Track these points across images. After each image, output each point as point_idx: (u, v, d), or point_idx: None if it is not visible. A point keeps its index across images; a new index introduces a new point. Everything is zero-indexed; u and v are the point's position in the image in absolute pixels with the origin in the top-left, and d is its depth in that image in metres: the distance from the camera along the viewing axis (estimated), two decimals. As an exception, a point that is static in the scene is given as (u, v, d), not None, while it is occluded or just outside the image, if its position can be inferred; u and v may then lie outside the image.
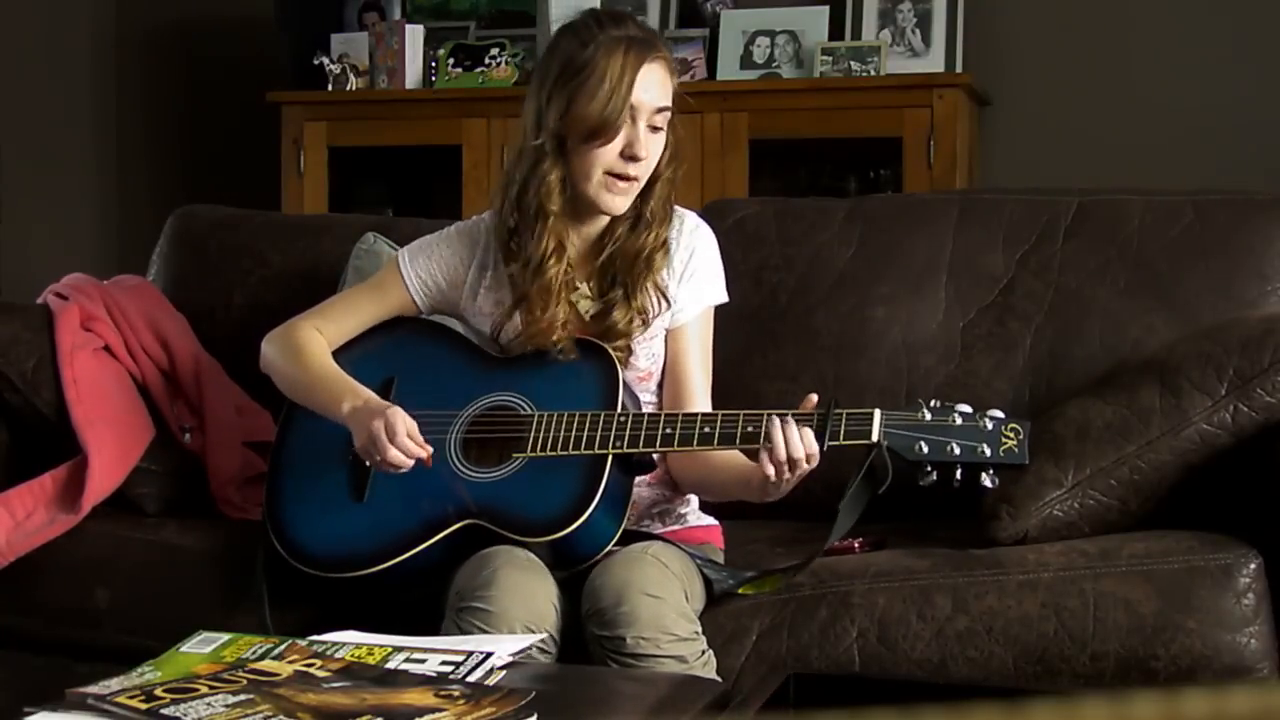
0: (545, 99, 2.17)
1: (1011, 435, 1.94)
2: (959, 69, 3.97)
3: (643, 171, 2.17)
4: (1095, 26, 4.07)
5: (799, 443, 1.95)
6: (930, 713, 0.58)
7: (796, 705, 1.74)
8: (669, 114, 2.18)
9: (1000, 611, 2.04)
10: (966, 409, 1.96)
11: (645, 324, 2.20)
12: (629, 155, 2.14)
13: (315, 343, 2.27)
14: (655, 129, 2.16)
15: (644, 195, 2.21)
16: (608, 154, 2.14)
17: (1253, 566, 2.04)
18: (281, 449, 2.30)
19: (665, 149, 2.20)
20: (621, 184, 2.16)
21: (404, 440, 2.06)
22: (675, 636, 1.94)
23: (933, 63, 3.99)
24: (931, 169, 3.81)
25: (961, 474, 1.94)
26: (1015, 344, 2.52)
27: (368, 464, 2.12)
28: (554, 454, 2.06)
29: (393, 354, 2.29)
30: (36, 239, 4.57)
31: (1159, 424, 2.15)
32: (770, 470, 1.96)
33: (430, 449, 2.08)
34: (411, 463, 2.07)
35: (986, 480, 1.94)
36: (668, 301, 2.21)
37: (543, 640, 1.94)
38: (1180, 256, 2.51)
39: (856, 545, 2.23)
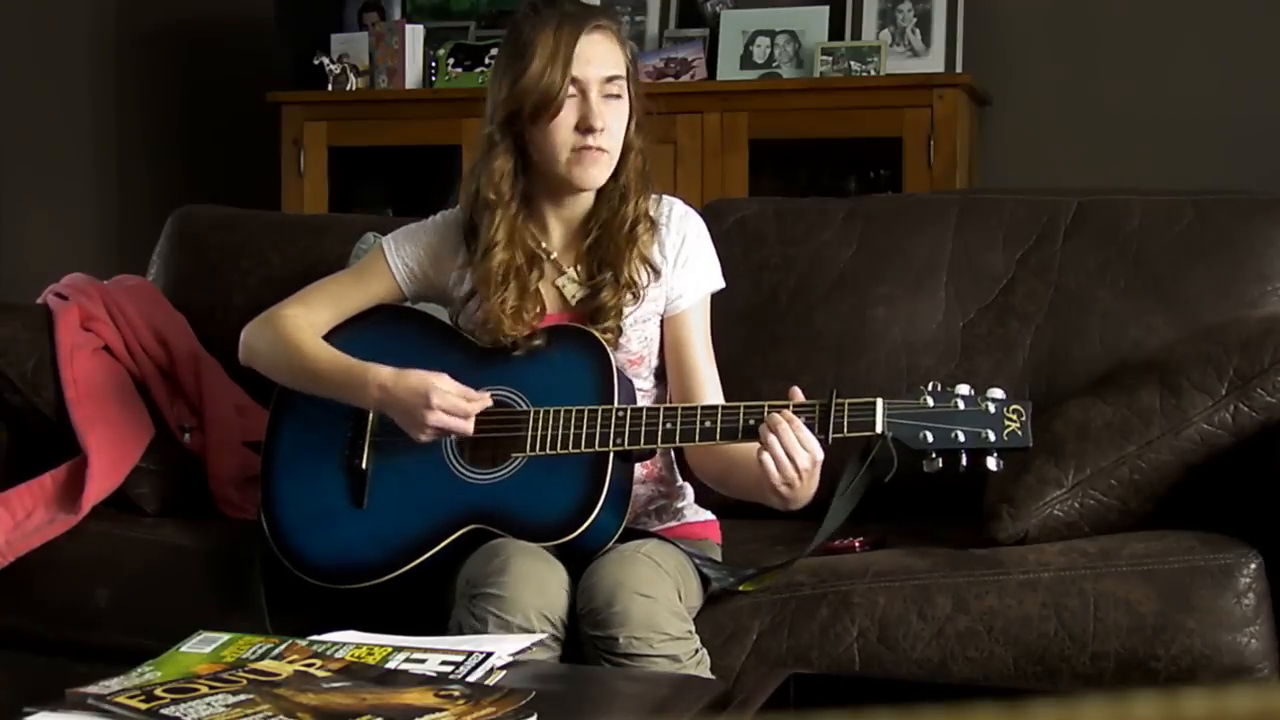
0: (495, 90, 2.18)
1: (1014, 418, 1.93)
2: (959, 69, 3.97)
3: (608, 142, 2.14)
4: (1095, 27, 4.07)
5: (794, 440, 1.94)
6: (930, 713, 0.58)
7: (796, 705, 1.74)
8: (623, 81, 2.16)
9: (1000, 611, 2.04)
10: (966, 391, 1.95)
11: (636, 297, 2.17)
12: (585, 128, 2.12)
13: (306, 330, 2.24)
14: (612, 97, 2.14)
15: (617, 167, 2.18)
16: (563, 130, 2.12)
17: (1253, 566, 2.04)
18: (273, 449, 2.28)
19: (631, 117, 2.18)
20: (590, 154, 2.13)
21: (464, 407, 2.06)
22: (668, 636, 1.94)
23: (933, 63, 3.99)
24: (931, 169, 3.81)
25: (967, 460, 1.94)
26: (1015, 344, 2.52)
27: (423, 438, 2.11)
28: (554, 453, 2.05)
29: (378, 344, 2.24)
30: (36, 239, 4.57)
31: (1159, 424, 2.15)
32: (773, 467, 1.94)
33: (483, 397, 2.09)
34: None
35: (992, 464, 1.93)
36: (656, 273, 2.19)
37: (553, 629, 1.94)
38: (1180, 256, 2.51)
39: (856, 545, 2.23)
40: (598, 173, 2.16)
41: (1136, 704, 0.55)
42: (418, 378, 2.09)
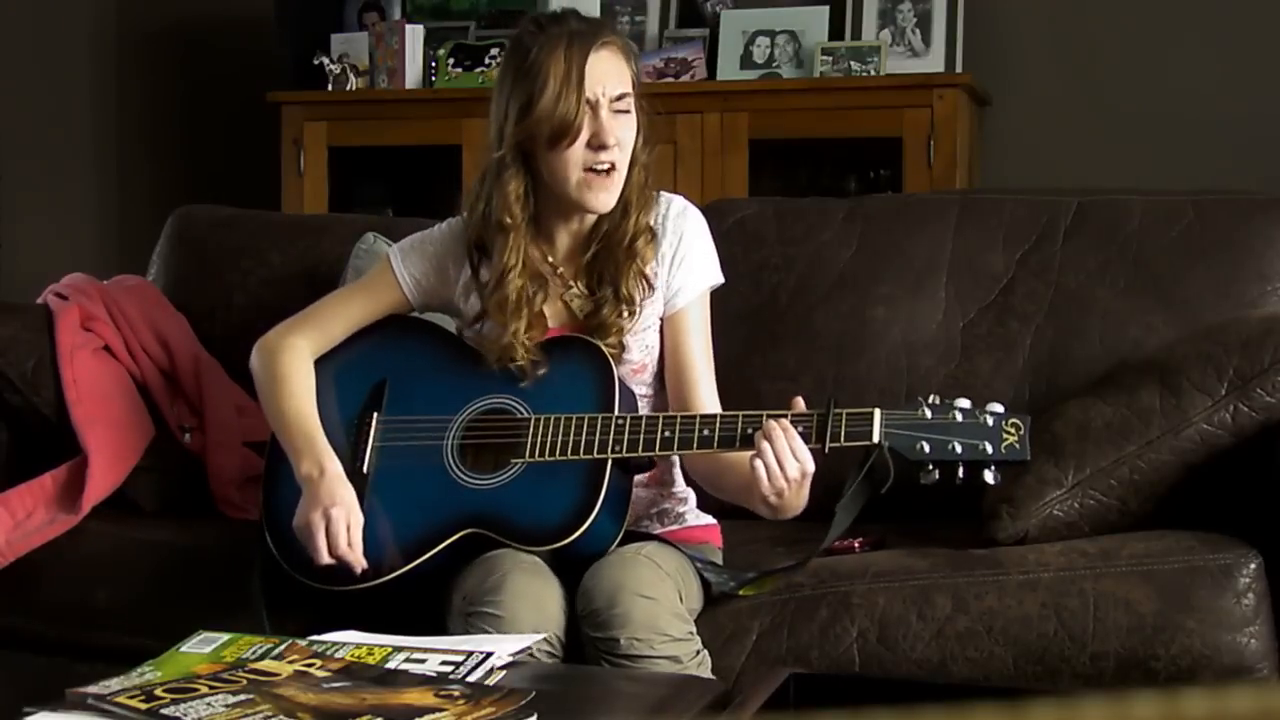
0: (502, 112, 2.16)
1: (1012, 431, 1.93)
2: (959, 69, 3.97)
3: (618, 158, 2.13)
4: (1095, 27, 4.07)
5: (787, 450, 1.94)
6: (930, 713, 0.59)
7: (796, 705, 1.74)
8: (631, 98, 2.14)
9: (1000, 611, 2.04)
10: (966, 404, 1.95)
11: (633, 313, 2.17)
12: (597, 144, 2.11)
13: (298, 372, 2.23)
14: (621, 113, 2.13)
15: (628, 180, 2.17)
16: (577, 151, 2.11)
17: (1253, 566, 2.04)
18: (277, 452, 2.28)
19: (638, 132, 2.17)
20: (600, 179, 2.13)
21: (343, 551, 2.06)
22: (669, 637, 1.94)
23: (933, 63, 3.99)
24: (931, 169, 3.81)
25: (964, 472, 1.94)
26: (1015, 344, 2.52)
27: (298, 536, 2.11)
28: (553, 459, 2.05)
29: (385, 355, 2.26)
30: (36, 239, 4.57)
31: (1159, 424, 2.15)
32: (763, 475, 1.93)
33: (364, 563, 2.07)
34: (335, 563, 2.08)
35: (989, 477, 1.93)
36: (652, 288, 2.18)
37: (550, 646, 1.94)
38: (1180, 256, 2.51)
39: (856, 545, 2.23)
40: (607, 198, 2.15)
41: (1136, 704, 0.55)
42: (343, 491, 2.10)
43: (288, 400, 2.21)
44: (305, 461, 2.14)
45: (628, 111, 2.14)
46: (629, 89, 2.14)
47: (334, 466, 2.13)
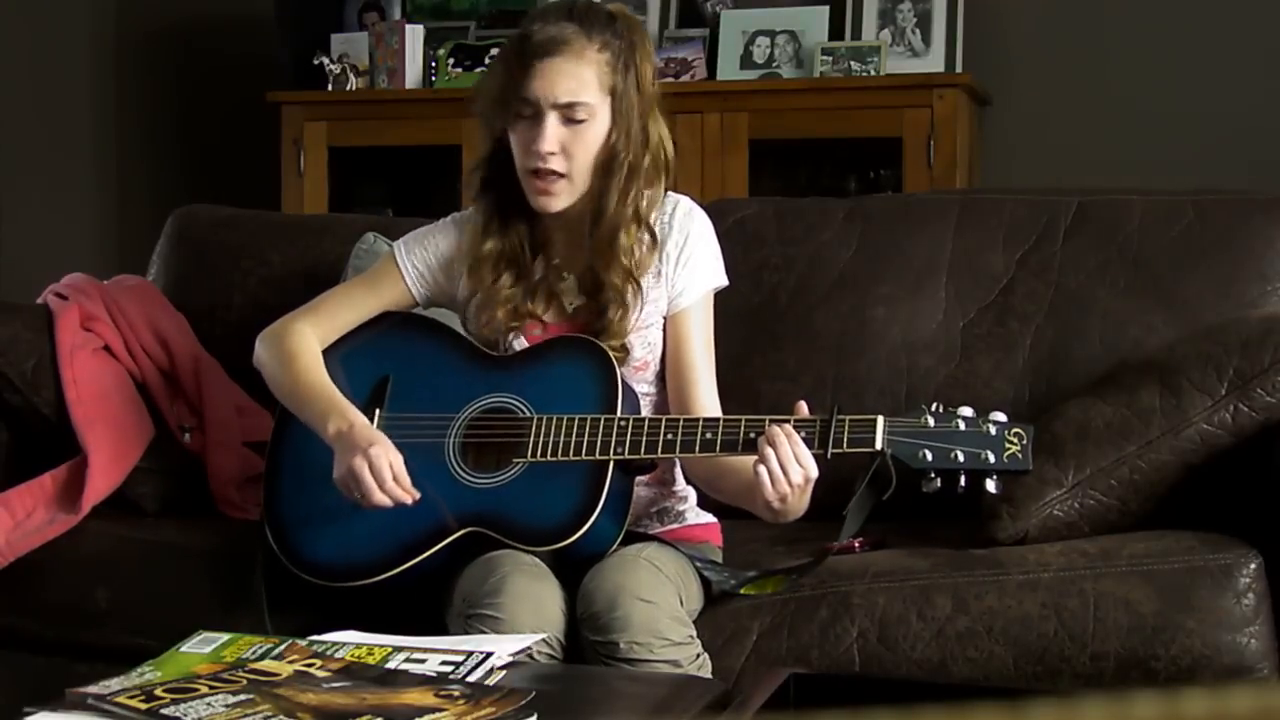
0: None
1: (1015, 440, 1.92)
2: (959, 69, 3.97)
3: (562, 166, 2.13)
4: (1095, 27, 4.07)
5: (790, 455, 1.93)
6: (930, 713, 0.59)
7: (796, 705, 1.74)
8: (589, 106, 2.11)
9: (1000, 611, 2.04)
10: (969, 413, 1.94)
11: (625, 314, 2.16)
12: (533, 150, 2.12)
13: (308, 350, 2.24)
14: (573, 121, 2.12)
15: (603, 181, 2.15)
16: (519, 152, 2.15)
17: (1253, 566, 2.04)
18: (278, 450, 2.29)
19: (609, 134, 2.14)
20: (540, 182, 2.13)
21: (391, 486, 2.04)
22: (669, 641, 1.94)
23: (933, 63, 3.99)
24: (931, 169, 3.81)
25: (966, 481, 1.93)
26: (1015, 344, 2.52)
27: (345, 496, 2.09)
28: (554, 459, 2.05)
29: (387, 351, 2.26)
30: (36, 239, 4.57)
31: (1159, 424, 2.15)
32: (767, 480, 1.93)
33: (416, 493, 2.06)
34: (390, 503, 2.05)
35: (991, 486, 1.93)
36: (640, 287, 2.17)
37: (550, 648, 1.94)
38: (1180, 256, 2.51)
39: (856, 545, 2.23)
40: (548, 201, 2.15)
41: (1136, 704, 0.55)
42: (377, 434, 2.09)
43: (302, 373, 2.21)
44: (332, 421, 2.12)
45: (580, 121, 2.12)
46: (582, 98, 2.11)
47: (361, 418, 2.13)
